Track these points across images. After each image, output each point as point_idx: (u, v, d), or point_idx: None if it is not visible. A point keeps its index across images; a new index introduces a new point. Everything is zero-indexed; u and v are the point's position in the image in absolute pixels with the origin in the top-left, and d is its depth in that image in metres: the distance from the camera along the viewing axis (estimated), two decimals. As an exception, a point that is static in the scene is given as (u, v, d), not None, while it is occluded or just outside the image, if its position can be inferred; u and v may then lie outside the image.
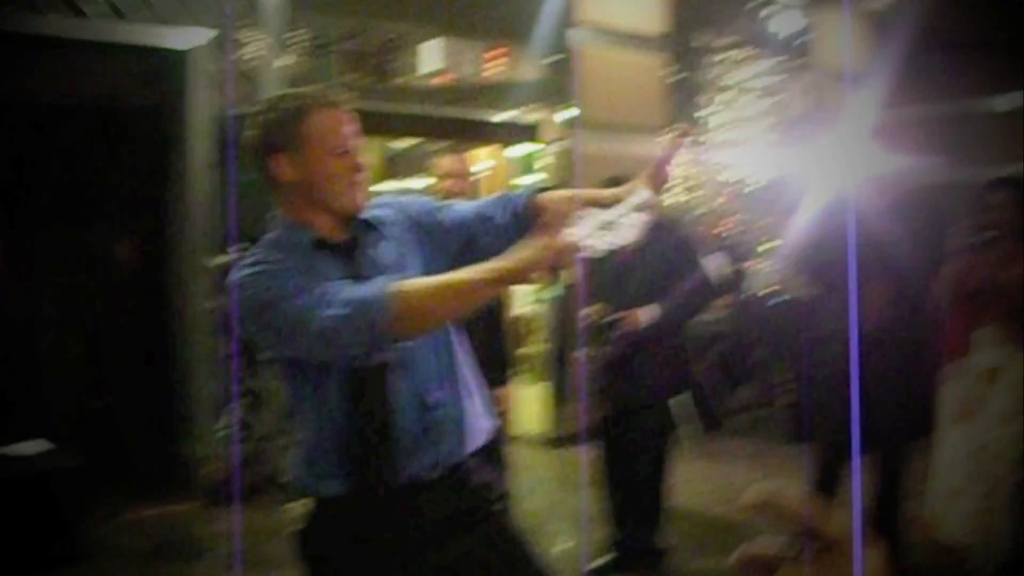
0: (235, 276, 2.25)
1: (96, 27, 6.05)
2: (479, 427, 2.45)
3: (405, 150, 9.14)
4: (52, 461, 5.32)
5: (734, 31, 8.90)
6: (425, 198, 2.58)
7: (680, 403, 7.73)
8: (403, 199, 2.53)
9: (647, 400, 4.90)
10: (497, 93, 7.79)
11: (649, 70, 8.24)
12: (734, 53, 8.82)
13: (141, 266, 7.43)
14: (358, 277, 2.26)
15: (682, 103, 8.54)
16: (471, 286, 2.08)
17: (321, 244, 2.31)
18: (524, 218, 2.35)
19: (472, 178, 8.65)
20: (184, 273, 6.47)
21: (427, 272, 2.32)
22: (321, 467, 2.31)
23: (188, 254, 6.42)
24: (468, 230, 2.43)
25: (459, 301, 2.13)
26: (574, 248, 2.03)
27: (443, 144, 7.82)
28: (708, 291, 5.10)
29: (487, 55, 7.71)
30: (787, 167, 8.12)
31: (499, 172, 8.28)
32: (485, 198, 2.51)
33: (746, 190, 8.82)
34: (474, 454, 2.42)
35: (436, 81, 7.48)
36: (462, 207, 2.48)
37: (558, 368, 7.85)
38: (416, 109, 7.53)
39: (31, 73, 6.86)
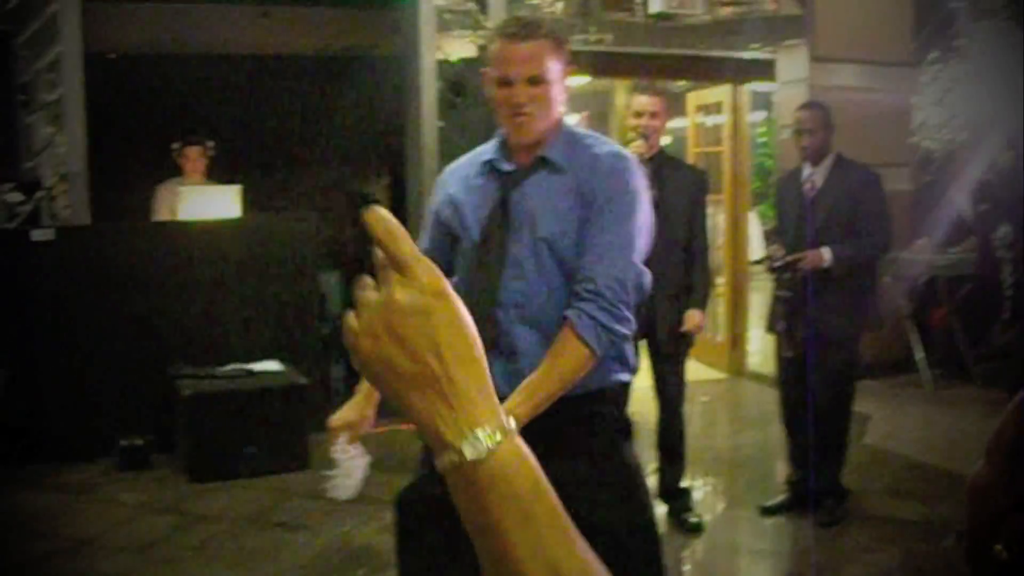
0: None
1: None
2: None
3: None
4: (286, 379, 5.94)
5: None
6: (616, 174, 2.50)
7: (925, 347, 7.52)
8: (600, 161, 2.51)
9: (831, 339, 4.83)
10: (734, 30, 7.70)
11: (889, 1, 7.88)
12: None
13: (385, 203, 7.96)
14: (504, 205, 2.51)
15: (932, 35, 8.08)
16: None
17: (490, 166, 2.57)
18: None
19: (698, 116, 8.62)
20: (416, 210, 6.89)
21: (559, 235, 2.48)
22: None
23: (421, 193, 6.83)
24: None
25: None
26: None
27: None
28: (891, 232, 4.89)
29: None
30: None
31: (738, 110, 8.19)
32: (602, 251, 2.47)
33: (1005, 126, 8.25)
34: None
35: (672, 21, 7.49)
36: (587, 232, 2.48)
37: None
38: (649, 48, 7.60)
39: (288, 30, 7.50)
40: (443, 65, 6.81)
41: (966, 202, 7.72)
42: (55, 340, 5.95)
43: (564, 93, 2.54)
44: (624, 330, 2.44)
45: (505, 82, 2.45)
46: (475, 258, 2.54)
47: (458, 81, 6.84)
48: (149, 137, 7.29)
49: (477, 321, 2.54)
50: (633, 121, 4.78)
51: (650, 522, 2.59)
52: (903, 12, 7.97)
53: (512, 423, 0.80)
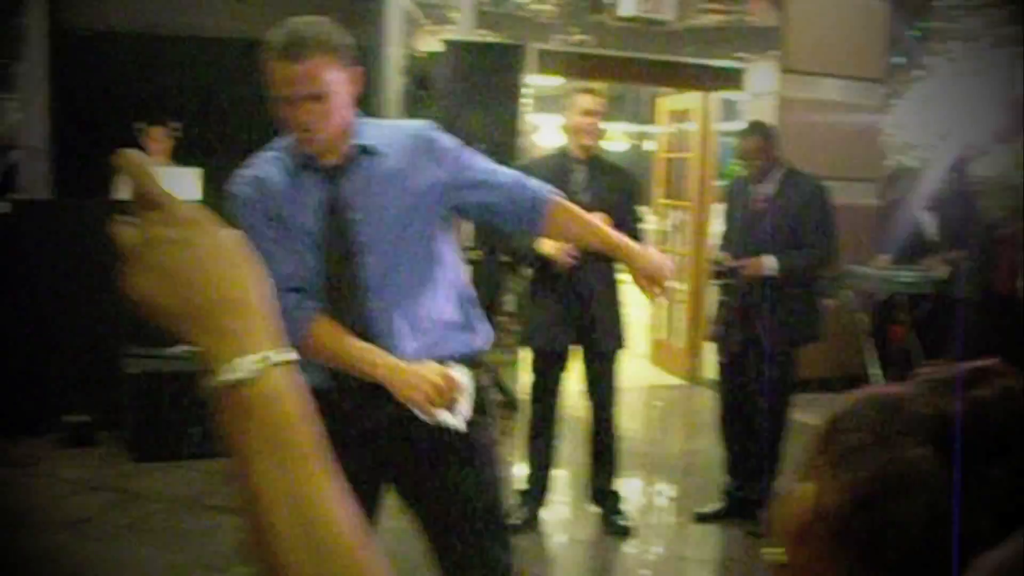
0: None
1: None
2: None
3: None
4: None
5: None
6: (442, 138, 2.61)
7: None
8: (419, 137, 2.58)
9: (766, 349, 4.85)
10: (705, 38, 7.74)
11: (864, 16, 7.93)
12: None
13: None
14: (336, 199, 2.50)
15: (902, 52, 8.13)
16: (356, 365, 2.47)
17: (306, 163, 2.52)
18: (538, 212, 2.63)
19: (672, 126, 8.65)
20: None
21: (410, 212, 2.52)
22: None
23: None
24: (487, 196, 2.61)
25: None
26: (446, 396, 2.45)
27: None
28: (834, 245, 4.93)
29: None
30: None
31: (706, 118, 8.22)
32: (504, 173, 2.66)
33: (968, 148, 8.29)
34: None
35: (640, 24, 7.52)
36: (486, 172, 2.63)
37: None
38: (618, 51, 7.63)
39: (262, 15, 7.48)
40: (409, 59, 6.81)
41: (927, 219, 7.74)
42: (6, 313, 5.96)
43: (354, 90, 2.49)
44: None
45: (286, 101, 2.40)
46: (325, 258, 2.53)
47: (423, 75, 6.84)
48: (119, 116, 7.28)
49: (348, 313, 2.53)
50: (584, 120, 4.78)
51: (491, 501, 2.66)
52: (878, 28, 8.02)
53: (289, 355, 0.82)
